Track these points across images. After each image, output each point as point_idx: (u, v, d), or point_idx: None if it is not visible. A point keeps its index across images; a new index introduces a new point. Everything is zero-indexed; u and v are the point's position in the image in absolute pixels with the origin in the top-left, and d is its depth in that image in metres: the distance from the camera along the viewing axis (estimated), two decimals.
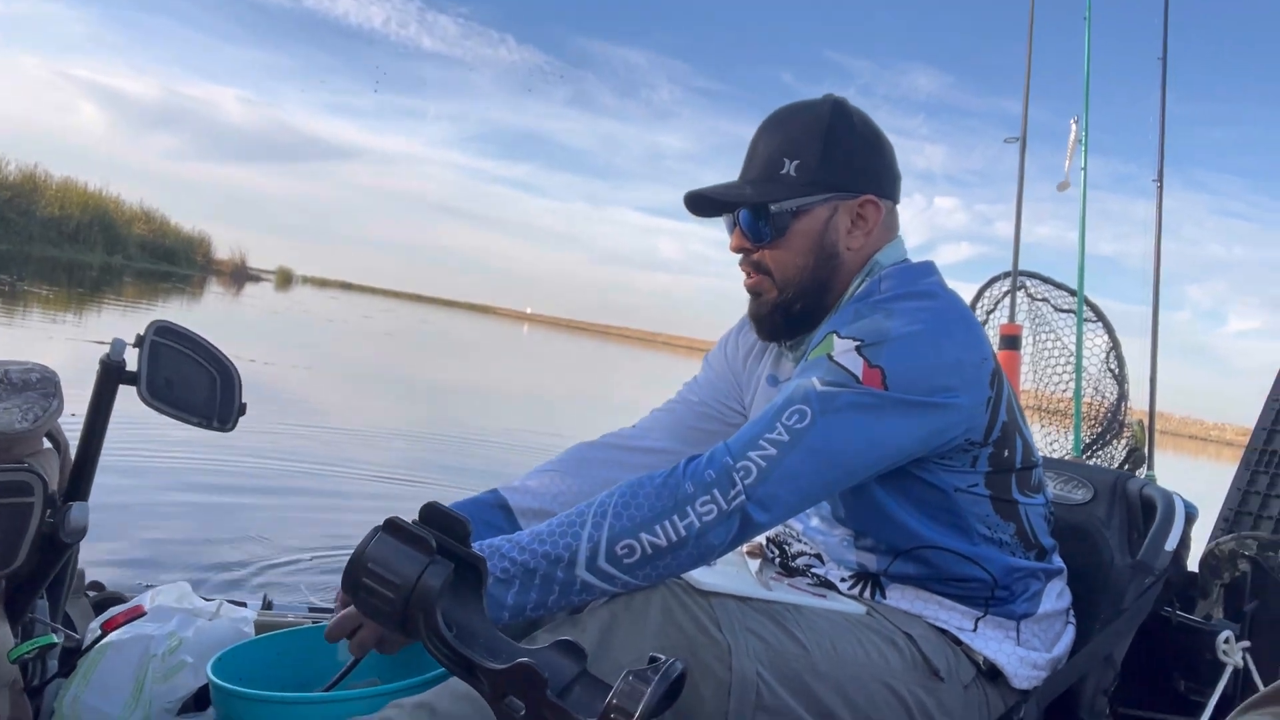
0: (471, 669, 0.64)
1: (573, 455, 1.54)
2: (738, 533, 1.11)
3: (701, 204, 1.36)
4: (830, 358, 1.18)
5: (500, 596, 1.06)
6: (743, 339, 1.56)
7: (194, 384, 1.17)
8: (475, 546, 1.03)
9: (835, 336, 1.20)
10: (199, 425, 1.18)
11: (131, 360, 1.17)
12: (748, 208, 1.33)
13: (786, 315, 1.36)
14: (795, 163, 1.30)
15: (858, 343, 1.17)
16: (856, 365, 1.16)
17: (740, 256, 1.38)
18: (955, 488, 1.26)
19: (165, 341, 1.15)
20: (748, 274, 1.38)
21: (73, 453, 1.21)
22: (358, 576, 0.66)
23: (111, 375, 1.14)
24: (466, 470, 6.06)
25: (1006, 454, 1.28)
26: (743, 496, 1.09)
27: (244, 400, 1.22)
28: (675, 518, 1.08)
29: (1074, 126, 3.79)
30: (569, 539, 1.09)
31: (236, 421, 1.21)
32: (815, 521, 1.38)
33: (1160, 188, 3.77)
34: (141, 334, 1.15)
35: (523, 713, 0.61)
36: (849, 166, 1.32)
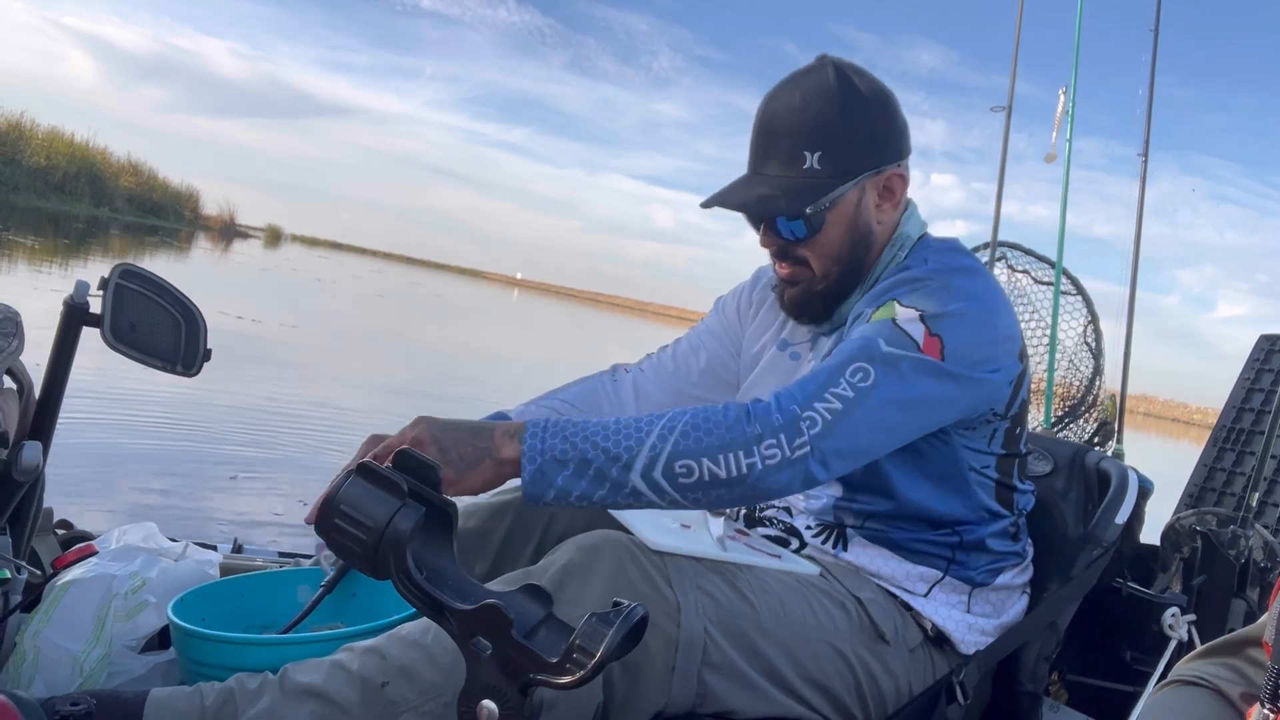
0: (441, 609, 0.65)
1: (583, 388, 1.53)
2: (799, 483, 1.12)
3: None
4: (894, 322, 1.20)
5: (551, 475, 1.07)
6: (756, 295, 1.57)
7: (158, 328, 1.17)
8: (531, 422, 1.07)
9: (897, 304, 1.23)
10: (163, 369, 1.18)
11: (96, 304, 1.17)
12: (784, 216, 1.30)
13: (825, 299, 1.37)
14: (818, 154, 1.28)
15: (920, 312, 1.20)
16: (919, 333, 1.19)
17: (769, 249, 1.37)
18: (970, 466, 1.30)
19: (129, 285, 1.16)
20: (781, 266, 1.37)
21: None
22: (330, 518, 0.67)
23: (75, 317, 1.15)
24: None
25: (1018, 431, 1.32)
26: (808, 448, 1.10)
27: (209, 346, 1.23)
28: (740, 454, 1.09)
29: (1062, 97, 3.76)
30: (631, 442, 1.09)
31: (201, 366, 1.22)
32: None
33: (1145, 161, 3.76)
34: (106, 277, 1.16)
35: (489, 652, 0.63)
36: (870, 145, 1.30)
